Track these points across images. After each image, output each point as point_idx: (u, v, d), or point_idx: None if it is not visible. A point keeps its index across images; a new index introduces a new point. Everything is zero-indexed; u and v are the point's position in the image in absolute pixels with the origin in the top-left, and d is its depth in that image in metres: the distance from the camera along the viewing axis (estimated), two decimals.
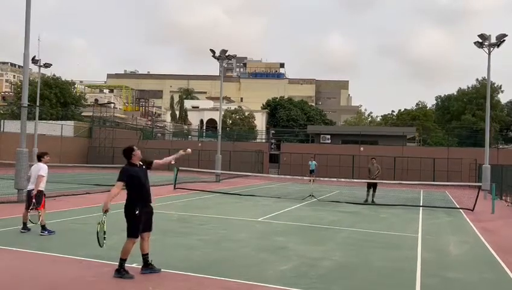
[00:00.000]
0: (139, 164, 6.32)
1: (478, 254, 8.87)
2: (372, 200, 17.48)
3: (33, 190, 9.08)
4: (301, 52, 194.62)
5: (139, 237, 6.22)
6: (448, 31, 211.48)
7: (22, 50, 14.45)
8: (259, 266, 7.14)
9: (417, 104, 66.74)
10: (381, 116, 71.27)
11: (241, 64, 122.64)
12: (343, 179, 22.27)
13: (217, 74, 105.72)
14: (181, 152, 7.01)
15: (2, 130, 37.68)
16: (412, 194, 23.83)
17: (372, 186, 17.67)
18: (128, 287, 5.78)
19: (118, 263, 6.14)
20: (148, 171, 6.46)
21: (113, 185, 6.14)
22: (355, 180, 24.53)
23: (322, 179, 25.17)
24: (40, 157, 9.35)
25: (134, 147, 6.35)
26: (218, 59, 28.48)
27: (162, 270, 6.47)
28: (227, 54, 28.22)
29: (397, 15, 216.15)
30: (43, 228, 8.91)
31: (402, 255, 8.37)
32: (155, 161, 6.73)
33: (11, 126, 35.34)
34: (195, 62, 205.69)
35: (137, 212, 6.07)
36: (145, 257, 6.32)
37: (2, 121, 40.77)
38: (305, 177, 22.50)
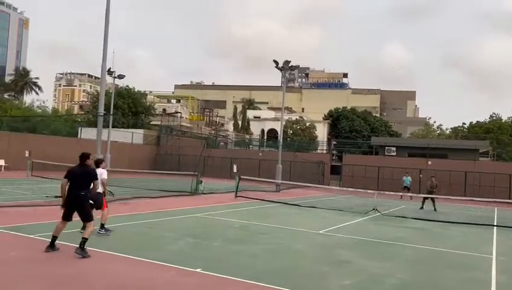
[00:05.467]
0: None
1: None
2: (434, 209, 20.09)
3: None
4: (360, 63, 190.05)
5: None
6: None
7: (97, 62, 15.59)
8: (321, 278, 7.03)
9: (491, 116, 62.60)
10: (451, 128, 67.69)
11: (303, 74, 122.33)
12: (409, 194, 21.32)
13: (278, 84, 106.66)
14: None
15: (79, 136, 40.70)
16: (484, 212, 22.28)
17: (430, 198, 20.62)
18: None
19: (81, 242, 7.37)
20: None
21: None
22: (421, 195, 23.42)
23: (386, 192, 24.31)
24: (98, 164, 9.68)
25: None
26: (281, 70, 28.73)
27: (224, 276, 6.60)
28: (290, 65, 28.37)
29: (460, 23, 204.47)
30: (102, 226, 9.37)
31: (474, 277, 7.85)
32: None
33: (87, 133, 38.15)
34: (254, 73, 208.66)
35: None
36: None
37: (80, 128, 44.11)
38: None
